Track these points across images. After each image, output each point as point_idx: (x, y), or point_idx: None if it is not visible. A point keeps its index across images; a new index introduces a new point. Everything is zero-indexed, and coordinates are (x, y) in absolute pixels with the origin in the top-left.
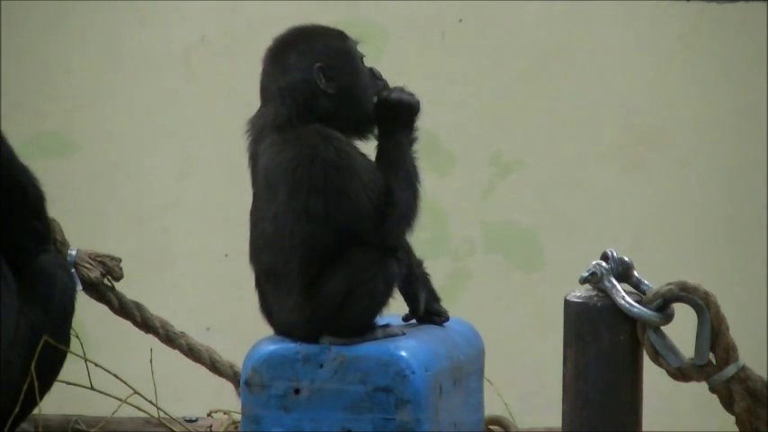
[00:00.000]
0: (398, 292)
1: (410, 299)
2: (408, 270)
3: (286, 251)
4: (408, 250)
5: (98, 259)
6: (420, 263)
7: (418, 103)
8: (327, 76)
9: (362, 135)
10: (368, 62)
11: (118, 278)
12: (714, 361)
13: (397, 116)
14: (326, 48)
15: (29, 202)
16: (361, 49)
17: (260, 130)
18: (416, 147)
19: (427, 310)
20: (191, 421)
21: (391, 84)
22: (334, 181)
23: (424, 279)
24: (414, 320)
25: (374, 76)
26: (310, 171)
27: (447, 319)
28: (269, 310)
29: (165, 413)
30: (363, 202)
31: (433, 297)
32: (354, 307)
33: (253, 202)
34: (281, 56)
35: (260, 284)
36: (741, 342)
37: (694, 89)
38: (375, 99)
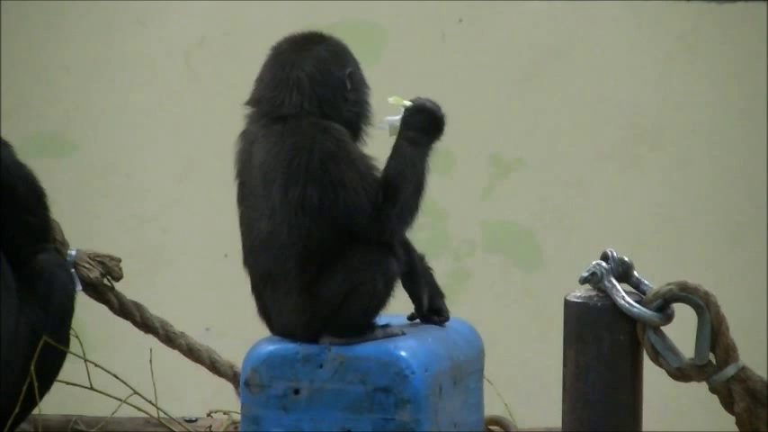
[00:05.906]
0: (399, 292)
1: (413, 296)
2: (410, 267)
3: (283, 249)
4: (408, 245)
5: (98, 259)
6: (422, 257)
7: (444, 116)
8: (352, 83)
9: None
10: (367, 64)
11: (118, 278)
12: (714, 361)
13: (423, 121)
14: (352, 57)
15: (19, 198)
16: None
17: (253, 123)
18: (432, 157)
19: (430, 307)
20: (190, 421)
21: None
22: (331, 169)
23: (427, 274)
24: (418, 320)
25: None
26: (308, 160)
27: (447, 318)
28: (268, 314)
29: (165, 413)
30: (359, 192)
31: (437, 292)
32: (354, 307)
33: (244, 207)
34: (309, 47)
35: (257, 289)
36: (741, 342)
37: (694, 89)
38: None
